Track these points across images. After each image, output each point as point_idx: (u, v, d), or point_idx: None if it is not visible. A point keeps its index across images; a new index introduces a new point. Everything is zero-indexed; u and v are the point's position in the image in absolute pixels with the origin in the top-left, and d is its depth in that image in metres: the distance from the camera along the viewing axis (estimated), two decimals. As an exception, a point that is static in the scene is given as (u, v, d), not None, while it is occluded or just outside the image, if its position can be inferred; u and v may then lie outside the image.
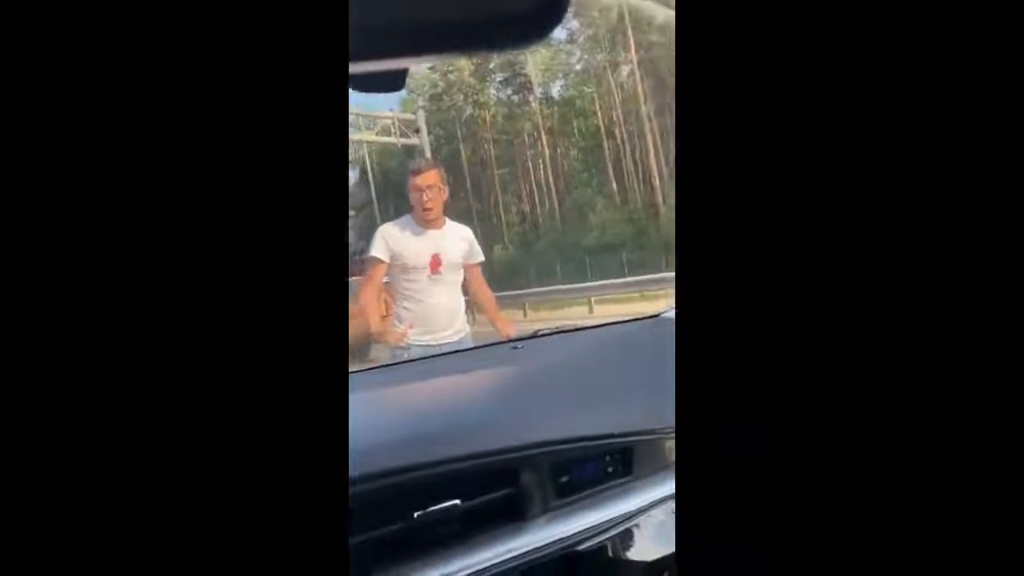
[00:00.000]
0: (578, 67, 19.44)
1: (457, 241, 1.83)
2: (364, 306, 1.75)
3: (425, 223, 1.78)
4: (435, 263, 1.78)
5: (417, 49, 0.31)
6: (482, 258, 1.91)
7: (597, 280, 10.53)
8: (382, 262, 1.75)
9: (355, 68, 0.32)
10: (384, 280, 1.83)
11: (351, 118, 10.72)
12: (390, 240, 1.76)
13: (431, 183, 1.77)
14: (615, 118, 17.67)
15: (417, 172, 1.81)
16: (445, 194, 1.83)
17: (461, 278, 1.85)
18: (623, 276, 10.39)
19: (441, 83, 19.82)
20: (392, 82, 0.35)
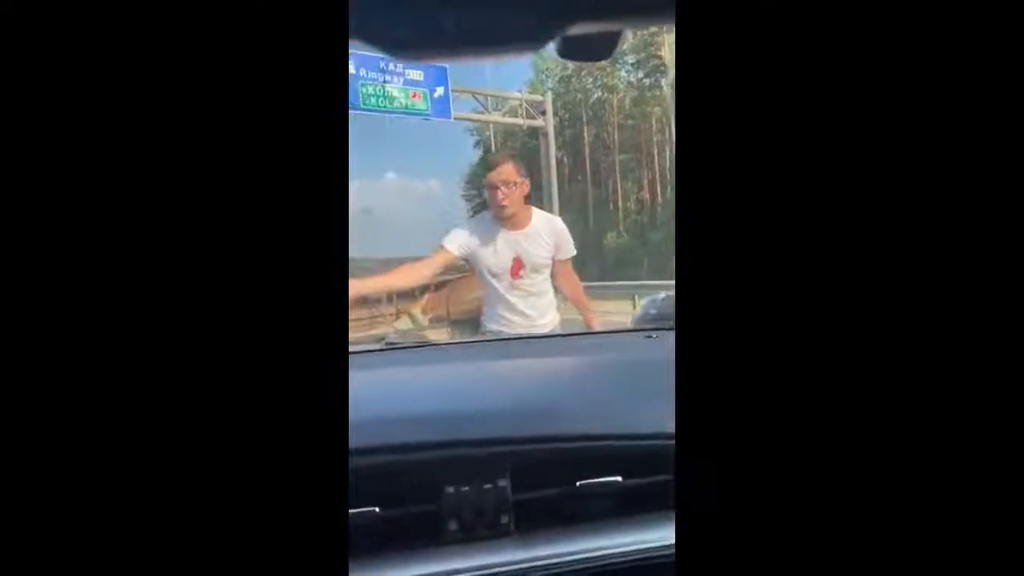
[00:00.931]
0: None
1: (542, 241, 1.69)
2: (399, 273, 1.74)
3: (502, 221, 1.66)
4: (516, 267, 1.67)
5: (633, 12, 0.31)
6: (572, 253, 1.76)
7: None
8: (447, 251, 1.65)
9: (565, 32, 0.31)
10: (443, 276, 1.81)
11: (481, 99, 11.04)
12: (467, 240, 1.67)
13: (506, 178, 1.63)
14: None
15: (492, 167, 1.68)
16: (526, 188, 1.67)
17: (547, 275, 1.73)
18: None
19: (571, 65, 19.65)
20: (600, 50, 0.34)
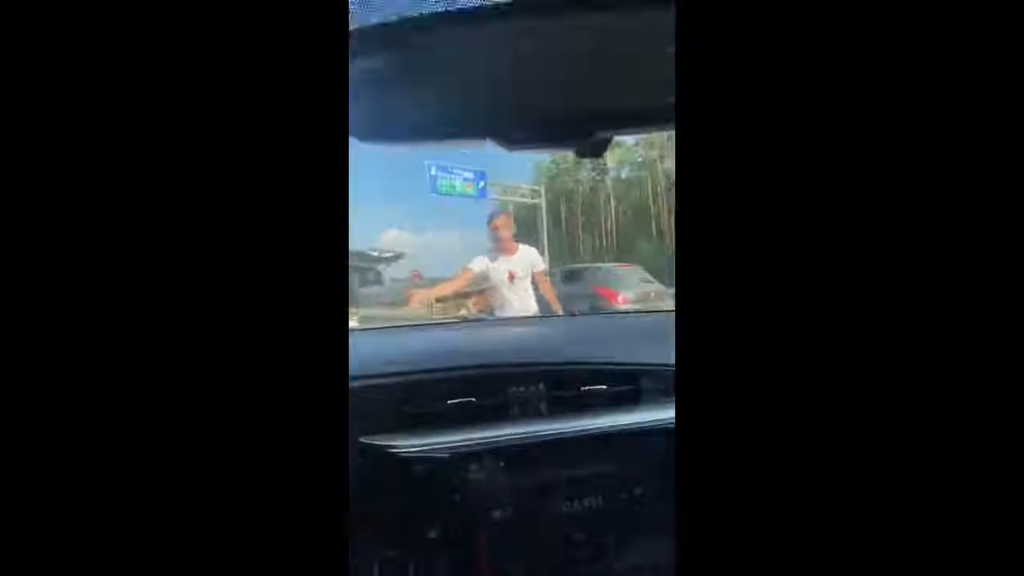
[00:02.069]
0: (639, 159, 30.09)
1: (525, 260, 2.79)
2: (442, 288, 2.75)
3: (501, 251, 2.73)
4: (511, 277, 2.74)
5: (619, 126, 0.45)
6: (543, 267, 2.89)
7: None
8: (469, 270, 2.72)
9: (576, 141, 0.47)
10: (472, 287, 2.86)
11: (504, 186, 15.00)
12: (482, 265, 2.74)
13: (502, 224, 2.73)
14: (659, 191, 27.83)
15: (494, 217, 2.76)
16: (514, 229, 2.78)
17: (530, 282, 2.82)
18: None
19: (555, 168, 31.24)
20: (598, 148, 0.48)
